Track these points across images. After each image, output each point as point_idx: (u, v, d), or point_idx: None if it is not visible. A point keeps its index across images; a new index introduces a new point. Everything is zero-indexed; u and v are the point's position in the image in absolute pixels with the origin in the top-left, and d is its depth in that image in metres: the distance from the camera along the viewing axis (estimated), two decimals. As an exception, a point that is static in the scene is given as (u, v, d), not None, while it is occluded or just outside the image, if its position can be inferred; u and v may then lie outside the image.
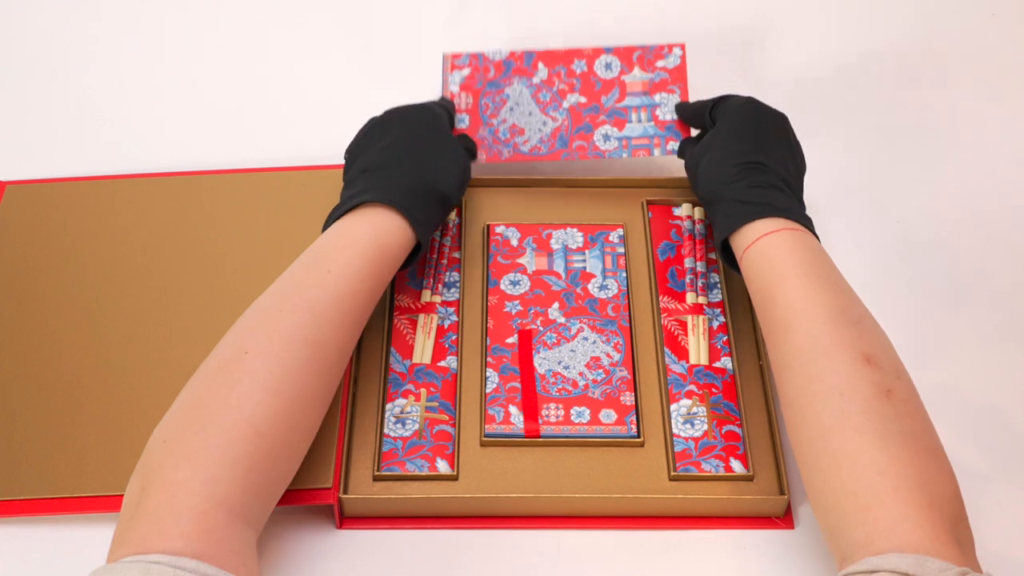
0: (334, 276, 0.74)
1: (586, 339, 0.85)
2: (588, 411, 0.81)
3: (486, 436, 0.80)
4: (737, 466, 0.79)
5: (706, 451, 0.79)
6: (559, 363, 0.84)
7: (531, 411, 0.81)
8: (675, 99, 0.95)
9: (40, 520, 0.77)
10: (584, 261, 0.90)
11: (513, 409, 0.81)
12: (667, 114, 0.95)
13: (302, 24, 1.13)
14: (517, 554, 0.76)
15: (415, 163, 0.83)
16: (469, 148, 0.93)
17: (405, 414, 0.81)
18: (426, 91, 1.06)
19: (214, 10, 1.13)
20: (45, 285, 0.89)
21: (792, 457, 0.80)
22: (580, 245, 0.91)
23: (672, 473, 0.78)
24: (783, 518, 0.78)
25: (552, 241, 0.91)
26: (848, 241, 0.95)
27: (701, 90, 0.97)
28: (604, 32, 1.13)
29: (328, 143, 1.02)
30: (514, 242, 0.91)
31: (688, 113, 0.93)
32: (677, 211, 0.94)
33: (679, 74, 0.96)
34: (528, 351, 0.84)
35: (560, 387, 0.82)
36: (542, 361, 0.84)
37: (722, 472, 0.78)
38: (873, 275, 0.93)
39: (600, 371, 0.83)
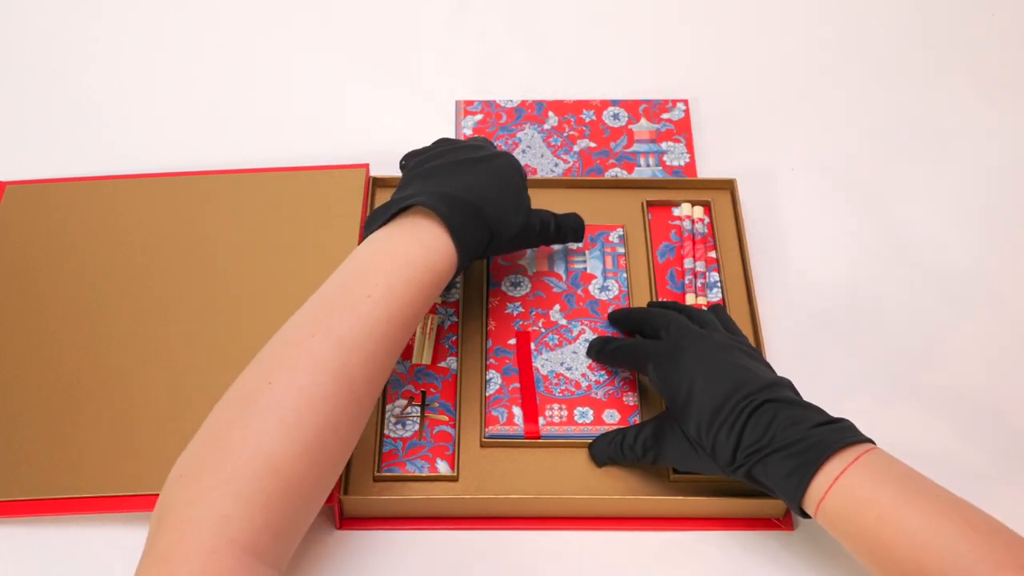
0: (374, 302, 0.70)
1: (588, 341, 0.85)
2: (591, 411, 0.81)
3: (489, 437, 0.80)
4: (737, 467, 0.79)
5: (706, 452, 0.79)
6: (561, 364, 0.84)
7: (531, 413, 0.81)
8: (681, 147, 1.00)
9: (40, 520, 0.77)
10: (585, 262, 0.90)
11: (516, 410, 0.81)
12: (674, 160, 0.99)
13: (301, 24, 1.13)
14: (517, 555, 0.76)
15: (487, 190, 0.77)
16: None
17: (405, 415, 0.81)
18: (425, 90, 1.06)
19: (214, 10, 1.13)
20: (45, 285, 0.89)
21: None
22: (580, 245, 0.91)
23: (672, 474, 0.78)
24: (783, 519, 0.78)
25: (552, 242, 0.91)
26: (848, 241, 0.95)
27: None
28: (602, 33, 1.13)
29: (328, 143, 1.02)
30: (514, 243, 0.91)
31: (622, 324, 0.86)
32: (677, 211, 0.94)
33: (684, 125, 1.01)
34: (527, 353, 0.84)
35: (563, 388, 0.82)
36: (544, 362, 0.84)
37: (722, 473, 0.78)
38: (873, 275, 0.93)
39: (602, 372, 0.83)
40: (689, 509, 0.77)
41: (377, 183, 0.95)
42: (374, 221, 0.76)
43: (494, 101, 1.04)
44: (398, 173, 0.96)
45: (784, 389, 0.71)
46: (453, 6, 1.14)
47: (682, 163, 0.99)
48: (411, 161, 0.83)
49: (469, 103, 1.04)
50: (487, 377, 0.83)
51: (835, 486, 0.66)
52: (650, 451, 0.75)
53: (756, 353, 0.76)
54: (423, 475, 0.78)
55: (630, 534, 0.78)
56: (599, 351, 0.83)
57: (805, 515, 0.69)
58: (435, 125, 1.03)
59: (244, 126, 1.04)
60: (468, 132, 1.01)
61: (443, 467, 0.79)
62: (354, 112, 1.05)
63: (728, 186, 0.95)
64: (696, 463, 0.73)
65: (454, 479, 0.79)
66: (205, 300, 0.87)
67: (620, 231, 0.92)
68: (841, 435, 0.68)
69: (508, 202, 0.78)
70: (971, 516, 0.64)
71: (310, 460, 0.64)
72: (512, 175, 0.80)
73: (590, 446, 0.80)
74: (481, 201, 0.76)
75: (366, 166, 0.95)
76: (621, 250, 0.91)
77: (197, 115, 1.05)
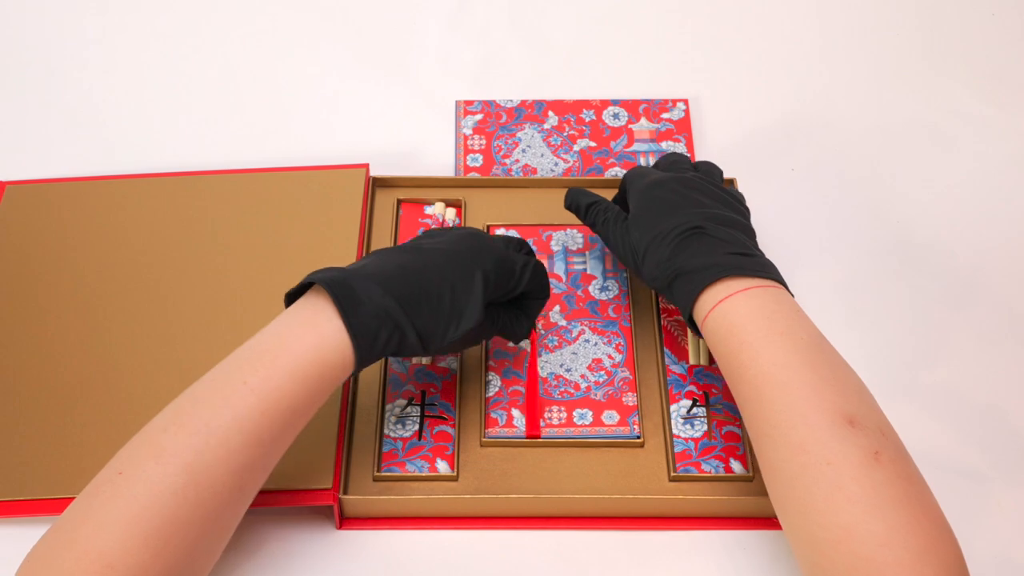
0: (248, 390, 0.65)
1: (587, 341, 0.85)
2: (591, 413, 0.81)
3: (488, 439, 0.80)
4: (737, 467, 0.79)
5: (706, 452, 0.79)
6: (561, 366, 0.84)
7: (533, 417, 0.81)
8: (681, 147, 1.00)
9: (40, 520, 0.77)
10: (584, 263, 0.90)
11: (516, 412, 0.81)
12: None
13: (302, 24, 1.13)
14: (517, 555, 0.76)
15: (415, 284, 0.71)
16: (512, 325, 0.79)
17: (405, 415, 0.81)
18: (425, 90, 1.06)
19: (213, 10, 1.13)
20: (45, 285, 0.89)
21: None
22: (580, 246, 0.91)
23: (672, 474, 0.79)
24: (783, 519, 0.78)
25: (552, 243, 0.91)
26: (848, 241, 0.95)
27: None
28: (602, 33, 1.13)
29: (328, 143, 1.02)
30: (514, 244, 0.91)
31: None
32: (677, 211, 0.94)
33: (684, 125, 1.01)
34: (533, 363, 0.83)
35: (562, 390, 0.82)
36: (544, 364, 0.84)
37: (722, 473, 0.78)
38: (873, 275, 0.93)
39: (602, 372, 0.83)
40: (689, 509, 0.77)
41: (377, 183, 0.95)
42: (293, 294, 0.72)
43: (494, 101, 1.04)
44: (398, 173, 0.97)
45: (713, 224, 0.75)
46: (453, 6, 1.14)
47: (682, 163, 0.99)
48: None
49: (469, 103, 1.04)
50: (487, 379, 0.83)
51: (718, 308, 0.71)
52: (606, 223, 0.82)
53: (724, 196, 0.80)
54: (423, 475, 0.78)
55: (630, 534, 0.78)
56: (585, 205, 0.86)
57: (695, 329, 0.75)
58: (435, 125, 1.03)
59: (244, 126, 1.04)
60: (468, 132, 1.01)
61: (443, 467, 0.79)
62: (354, 112, 1.06)
63: (728, 186, 0.95)
64: (629, 261, 0.80)
65: (454, 479, 0.79)
66: (205, 300, 0.87)
67: (620, 231, 0.92)
68: (743, 265, 0.72)
69: (441, 304, 0.71)
70: (824, 364, 0.67)
71: (152, 554, 0.61)
72: (462, 274, 0.72)
73: (570, 190, 0.87)
74: (401, 293, 0.69)
75: (366, 166, 0.95)
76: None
77: (197, 115, 1.05)
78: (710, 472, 0.78)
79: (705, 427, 0.81)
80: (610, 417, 0.81)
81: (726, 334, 0.71)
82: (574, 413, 0.81)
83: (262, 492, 0.75)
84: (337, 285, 0.68)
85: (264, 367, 0.66)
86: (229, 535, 0.67)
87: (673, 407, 0.82)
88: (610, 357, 0.84)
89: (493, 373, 0.83)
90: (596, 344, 0.85)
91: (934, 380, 0.87)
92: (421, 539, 0.77)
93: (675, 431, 0.81)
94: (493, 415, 0.81)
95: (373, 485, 0.78)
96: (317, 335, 0.67)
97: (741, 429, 0.81)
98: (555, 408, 0.82)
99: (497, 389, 0.82)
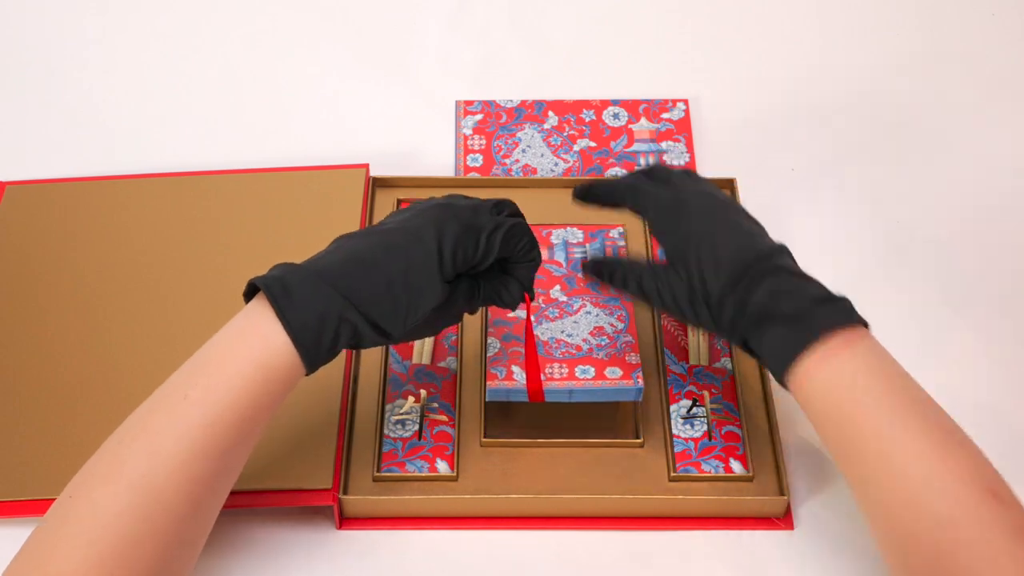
0: (190, 403, 0.62)
1: (589, 312, 0.84)
2: (593, 368, 0.80)
3: (490, 394, 0.79)
4: (737, 467, 0.79)
5: (706, 452, 0.79)
6: (562, 332, 0.83)
7: (534, 375, 0.79)
8: (681, 147, 1.00)
9: (40, 521, 0.77)
10: (585, 253, 0.90)
11: (516, 368, 0.80)
12: (675, 159, 0.99)
13: (302, 24, 1.13)
14: (517, 555, 0.76)
15: (363, 277, 0.66)
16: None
17: (405, 414, 0.81)
18: (425, 90, 1.06)
19: (213, 9, 1.13)
20: (45, 285, 0.89)
21: (793, 458, 0.80)
22: (580, 240, 0.91)
23: (672, 474, 0.78)
24: (783, 518, 0.78)
25: (552, 237, 0.91)
26: (848, 241, 0.95)
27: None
28: (602, 33, 1.13)
29: (328, 143, 1.02)
30: (514, 241, 0.91)
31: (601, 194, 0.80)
32: (677, 211, 0.94)
33: (684, 125, 1.01)
34: (528, 322, 0.82)
35: (564, 351, 0.81)
36: (544, 331, 0.83)
37: (722, 473, 0.78)
38: (873, 275, 0.93)
39: (604, 337, 0.82)
40: (689, 509, 0.77)
41: (377, 183, 0.96)
42: (248, 292, 0.68)
43: (494, 101, 1.04)
44: (398, 173, 0.97)
45: (786, 257, 0.71)
46: (453, 6, 1.14)
47: (682, 162, 0.99)
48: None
49: (469, 103, 1.04)
50: (487, 342, 0.81)
51: (820, 369, 0.66)
52: (642, 278, 0.73)
53: (749, 215, 0.76)
54: (423, 475, 0.78)
55: (630, 534, 0.78)
56: (589, 187, 0.79)
57: (785, 386, 0.69)
58: (435, 125, 1.03)
59: (244, 126, 1.04)
60: (467, 132, 1.01)
61: (443, 467, 0.79)
62: (354, 112, 1.06)
63: (728, 186, 0.95)
64: (685, 312, 0.71)
65: (454, 479, 0.79)
66: (205, 300, 0.87)
67: (620, 229, 0.92)
68: (838, 316, 0.68)
69: (394, 287, 0.66)
70: (944, 427, 0.65)
71: (107, 575, 0.59)
72: (417, 251, 0.67)
73: (592, 259, 0.78)
74: (347, 283, 0.65)
75: (366, 166, 0.95)
76: (621, 243, 0.90)
77: (197, 115, 1.05)
78: (710, 472, 0.78)
79: (705, 427, 0.81)
80: (613, 372, 0.79)
81: (836, 400, 0.66)
82: (576, 369, 0.80)
83: (262, 492, 0.75)
84: (274, 284, 0.65)
85: (206, 378, 0.63)
86: (197, 547, 0.65)
87: (673, 407, 0.82)
88: (612, 325, 0.83)
89: (493, 338, 0.82)
90: (598, 315, 0.84)
91: (934, 380, 0.86)
92: (421, 539, 0.77)
93: (675, 431, 0.81)
94: (493, 371, 0.80)
95: (373, 485, 0.78)
96: (260, 339, 0.64)
97: (741, 429, 0.81)
98: (556, 365, 0.80)
99: (497, 350, 0.81)
